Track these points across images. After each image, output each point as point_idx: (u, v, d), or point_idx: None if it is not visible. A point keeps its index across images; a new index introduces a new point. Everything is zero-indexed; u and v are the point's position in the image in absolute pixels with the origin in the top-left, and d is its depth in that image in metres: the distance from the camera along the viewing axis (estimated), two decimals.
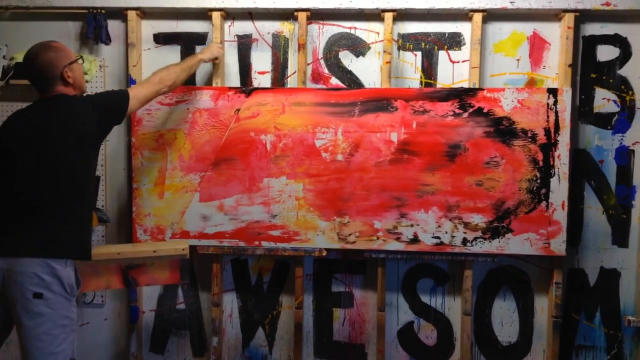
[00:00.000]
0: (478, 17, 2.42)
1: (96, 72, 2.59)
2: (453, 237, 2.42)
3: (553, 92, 2.37)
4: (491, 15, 2.46)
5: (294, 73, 2.56)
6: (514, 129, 2.38)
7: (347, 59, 2.56)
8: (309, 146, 2.45)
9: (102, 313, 2.69)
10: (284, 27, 2.57)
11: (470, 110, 2.39)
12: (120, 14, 2.56)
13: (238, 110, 2.47)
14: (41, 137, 1.86)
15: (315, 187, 2.45)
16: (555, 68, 2.47)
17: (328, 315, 2.63)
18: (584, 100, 2.49)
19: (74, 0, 2.52)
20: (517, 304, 2.56)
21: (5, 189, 1.87)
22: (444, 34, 2.51)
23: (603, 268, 2.52)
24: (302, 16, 2.48)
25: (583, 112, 2.49)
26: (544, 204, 2.38)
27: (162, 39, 2.61)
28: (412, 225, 2.43)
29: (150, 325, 2.68)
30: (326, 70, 2.57)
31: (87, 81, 2.56)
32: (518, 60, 2.50)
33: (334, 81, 2.56)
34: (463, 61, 2.51)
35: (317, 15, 2.53)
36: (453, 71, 2.52)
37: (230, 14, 2.57)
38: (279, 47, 2.58)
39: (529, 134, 2.37)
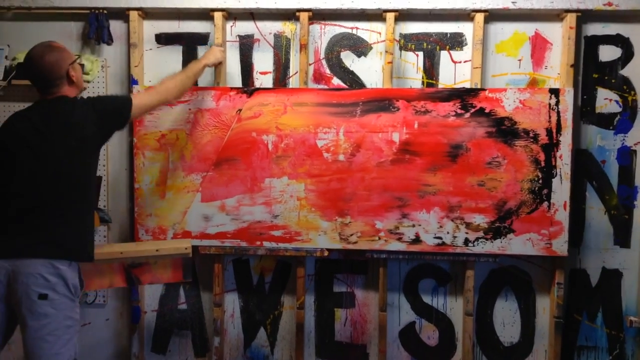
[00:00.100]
0: (480, 17, 2.42)
1: (98, 72, 2.59)
2: (455, 237, 2.42)
3: (555, 92, 2.37)
4: (493, 16, 2.46)
5: (295, 73, 2.56)
6: (516, 129, 2.38)
7: (348, 59, 2.56)
8: (311, 146, 2.45)
9: (104, 313, 2.69)
10: (286, 28, 2.57)
11: (472, 110, 2.39)
12: (122, 14, 2.56)
13: (240, 110, 2.47)
14: (41, 139, 1.86)
15: (317, 188, 2.45)
16: (557, 68, 2.47)
17: (330, 315, 2.63)
18: (586, 101, 2.48)
19: (76, 0, 2.52)
20: (519, 305, 2.56)
21: (6, 190, 1.87)
22: (446, 34, 2.51)
23: (605, 268, 2.52)
24: (303, 16, 2.48)
25: (585, 112, 2.49)
26: (545, 204, 2.38)
27: (163, 39, 2.61)
28: (413, 226, 2.43)
29: (152, 325, 2.68)
30: (328, 71, 2.57)
31: (89, 81, 2.57)
32: (520, 60, 2.50)
33: (336, 81, 2.56)
34: (465, 61, 2.51)
35: (319, 16, 2.53)
36: (455, 71, 2.52)
37: (232, 14, 2.57)
38: (281, 48, 2.58)
39: (531, 134, 2.37)
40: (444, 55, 2.52)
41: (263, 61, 2.59)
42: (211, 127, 2.48)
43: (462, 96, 2.39)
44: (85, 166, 1.94)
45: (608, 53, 2.47)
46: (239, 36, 2.59)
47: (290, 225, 2.47)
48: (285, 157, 2.46)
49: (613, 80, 2.47)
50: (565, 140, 2.36)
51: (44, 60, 1.90)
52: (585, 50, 2.47)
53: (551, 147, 2.37)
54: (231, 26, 2.59)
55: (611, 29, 2.46)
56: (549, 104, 2.36)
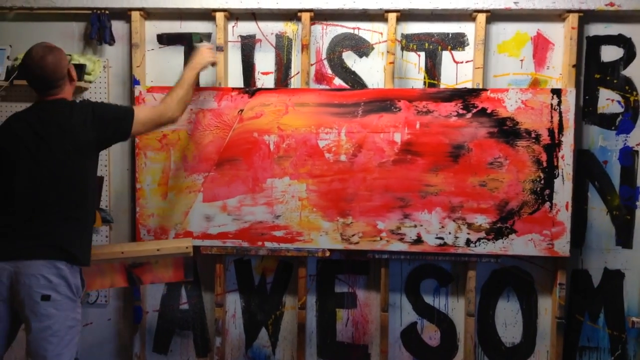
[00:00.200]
0: (482, 17, 2.42)
1: (100, 73, 2.59)
2: (456, 237, 2.42)
3: (557, 92, 2.36)
4: (495, 16, 2.46)
5: (297, 73, 2.56)
6: (518, 130, 2.37)
7: (350, 59, 2.56)
8: (312, 147, 2.45)
9: (106, 313, 2.69)
10: (288, 28, 2.57)
11: (474, 110, 2.39)
12: (123, 14, 2.56)
13: (241, 110, 2.47)
14: (39, 142, 1.85)
15: (319, 188, 2.45)
16: (559, 68, 2.47)
17: (331, 315, 2.63)
18: (588, 101, 2.48)
19: (77, 0, 2.53)
20: (521, 305, 2.56)
21: (6, 193, 1.86)
22: (448, 34, 2.51)
23: (607, 269, 2.52)
24: (305, 17, 2.48)
25: (587, 112, 2.48)
26: (547, 204, 2.37)
27: (165, 39, 2.61)
28: (415, 226, 2.43)
29: (154, 325, 2.68)
30: (329, 71, 2.57)
31: (91, 82, 2.57)
32: (522, 60, 2.49)
33: (338, 82, 2.56)
34: (467, 62, 2.51)
35: (321, 16, 2.53)
36: (457, 72, 2.52)
37: (234, 15, 2.57)
38: (283, 48, 2.58)
39: (533, 135, 2.37)
40: (445, 55, 2.52)
41: (265, 61, 2.59)
42: (213, 128, 2.48)
43: (464, 96, 2.39)
44: (83, 170, 1.91)
45: (610, 53, 2.46)
46: (241, 36, 2.59)
47: (292, 225, 2.47)
48: (287, 157, 2.46)
49: (615, 81, 2.47)
50: (567, 140, 2.36)
51: (46, 61, 1.88)
52: (587, 50, 2.47)
53: (553, 147, 2.36)
54: (233, 26, 2.59)
55: (613, 29, 2.45)
56: (551, 105, 2.36)
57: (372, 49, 2.55)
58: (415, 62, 2.54)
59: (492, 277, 2.56)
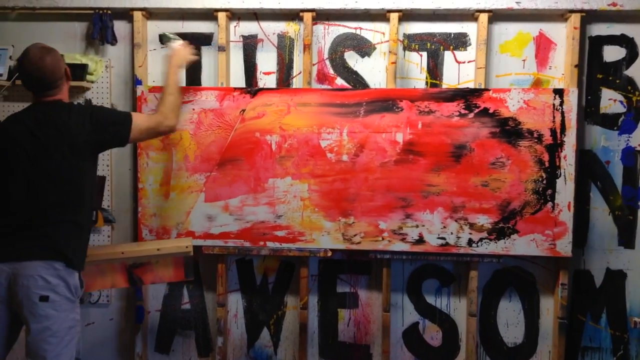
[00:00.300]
0: (484, 17, 2.41)
1: (102, 73, 2.59)
2: (458, 237, 2.42)
3: (559, 92, 2.36)
4: (497, 16, 2.45)
5: (299, 73, 2.56)
6: (520, 130, 2.37)
7: (352, 59, 2.56)
8: (314, 147, 2.45)
9: (108, 313, 2.69)
10: (290, 28, 2.57)
11: (476, 110, 2.38)
12: (126, 14, 2.57)
13: (243, 110, 2.47)
14: (36, 143, 1.84)
15: (321, 188, 2.45)
16: (561, 68, 2.46)
17: (333, 315, 2.63)
18: (590, 101, 2.48)
19: (79, 0, 2.53)
20: (523, 305, 2.56)
21: (4, 194, 1.86)
22: (450, 34, 2.51)
23: (609, 269, 2.51)
24: (307, 17, 2.48)
25: (589, 112, 2.48)
26: (549, 204, 2.37)
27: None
28: (417, 226, 2.43)
29: (156, 325, 2.68)
30: (331, 71, 2.57)
31: (93, 82, 2.58)
32: (524, 60, 2.49)
33: (339, 82, 2.56)
34: (469, 61, 2.51)
35: (323, 16, 2.53)
36: (459, 72, 2.52)
37: (236, 15, 2.57)
38: (285, 48, 2.58)
39: (535, 135, 2.37)
40: (447, 55, 2.52)
41: (266, 61, 2.59)
42: (215, 128, 2.48)
43: (466, 96, 2.39)
44: (80, 172, 1.89)
45: (612, 53, 2.46)
46: (243, 36, 2.59)
47: (294, 225, 2.47)
48: (289, 157, 2.46)
49: (617, 81, 2.46)
50: (570, 140, 2.36)
51: (45, 62, 1.88)
52: (590, 50, 2.47)
53: (555, 147, 2.36)
54: (235, 26, 2.59)
55: (615, 29, 2.45)
56: (553, 105, 2.36)
57: (374, 49, 2.55)
58: (417, 62, 2.53)
59: (494, 277, 2.56)
